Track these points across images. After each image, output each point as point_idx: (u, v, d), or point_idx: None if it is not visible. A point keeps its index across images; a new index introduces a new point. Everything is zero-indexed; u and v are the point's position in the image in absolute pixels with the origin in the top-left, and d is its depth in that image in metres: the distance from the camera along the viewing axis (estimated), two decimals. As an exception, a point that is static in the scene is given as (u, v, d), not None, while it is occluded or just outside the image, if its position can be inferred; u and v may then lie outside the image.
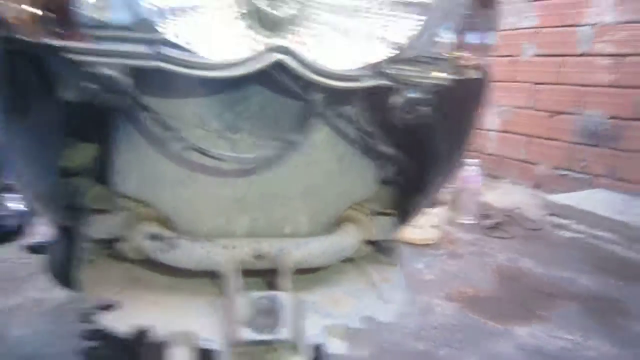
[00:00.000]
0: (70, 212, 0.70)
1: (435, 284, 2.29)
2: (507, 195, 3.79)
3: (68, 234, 0.75)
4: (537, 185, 3.97)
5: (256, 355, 0.56)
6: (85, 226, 0.68)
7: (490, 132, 4.40)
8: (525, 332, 1.91)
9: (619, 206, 3.05)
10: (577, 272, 2.46)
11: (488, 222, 3.09)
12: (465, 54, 0.63)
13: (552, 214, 3.19)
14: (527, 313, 2.06)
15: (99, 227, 0.68)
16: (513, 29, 4.09)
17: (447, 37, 0.58)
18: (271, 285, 0.63)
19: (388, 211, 0.79)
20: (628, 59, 3.32)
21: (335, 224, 0.75)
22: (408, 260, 2.54)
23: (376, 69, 0.58)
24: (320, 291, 0.70)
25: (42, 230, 2.39)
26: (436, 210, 2.71)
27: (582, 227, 2.99)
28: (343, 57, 0.57)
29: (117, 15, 0.50)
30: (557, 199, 3.24)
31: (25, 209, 1.65)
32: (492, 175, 4.25)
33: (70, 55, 0.51)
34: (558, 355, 1.78)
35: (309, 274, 0.72)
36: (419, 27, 0.57)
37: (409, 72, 0.59)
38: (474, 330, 1.92)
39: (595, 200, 3.18)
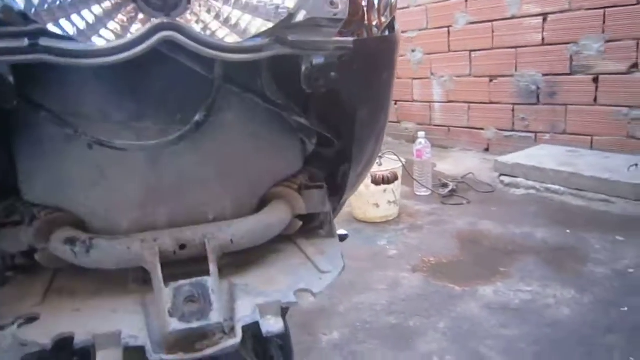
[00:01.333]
0: None
1: (399, 259, 2.32)
2: (458, 163, 3.88)
3: None
4: (486, 150, 4.08)
5: (189, 344, 0.54)
6: None
7: (435, 104, 4.49)
8: (489, 291, 1.97)
9: (564, 158, 3.18)
10: (532, 226, 2.55)
11: (444, 191, 3.15)
12: (373, 14, 0.62)
13: (503, 175, 3.29)
14: (489, 272, 2.11)
15: (11, 240, 0.64)
16: (444, 0, 4.16)
17: None
18: (201, 275, 0.61)
19: (318, 184, 0.77)
20: (553, 16, 3.44)
21: (263, 203, 0.73)
22: (371, 239, 2.57)
23: (275, 38, 0.56)
24: (254, 273, 0.68)
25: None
26: (392, 187, 2.74)
27: (532, 183, 3.10)
28: (240, 29, 0.55)
29: None
30: (505, 159, 3.34)
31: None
32: (441, 145, 4.35)
33: None
34: (520, 307, 1.84)
35: (243, 257, 0.70)
36: None
37: (310, 37, 0.58)
38: (440, 296, 1.96)
39: (540, 156, 3.30)
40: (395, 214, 2.83)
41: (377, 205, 2.75)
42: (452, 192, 3.15)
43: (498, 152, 3.82)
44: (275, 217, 0.71)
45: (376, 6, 0.63)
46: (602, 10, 3.18)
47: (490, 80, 3.95)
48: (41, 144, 0.63)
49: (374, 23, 0.63)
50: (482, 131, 4.11)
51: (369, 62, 0.65)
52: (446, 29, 4.21)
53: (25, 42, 0.48)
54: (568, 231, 2.46)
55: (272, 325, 0.57)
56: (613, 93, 3.23)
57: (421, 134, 3.19)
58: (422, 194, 3.18)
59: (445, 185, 3.23)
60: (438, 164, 3.80)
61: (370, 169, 0.84)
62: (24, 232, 0.64)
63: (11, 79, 0.49)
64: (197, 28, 0.53)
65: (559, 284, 1.97)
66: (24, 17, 0.47)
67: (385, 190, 2.74)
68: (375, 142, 0.76)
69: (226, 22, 0.56)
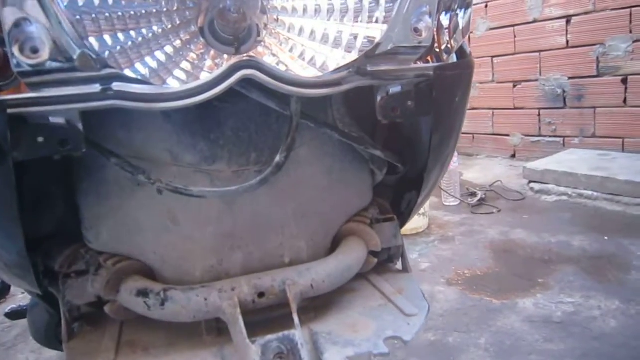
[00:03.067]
0: (46, 279, 0.64)
1: (432, 272, 2.27)
2: (485, 171, 3.81)
3: (47, 299, 0.69)
4: (512, 156, 4.01)
5: None
6: (64, 292, 0.62)
7: (458, 111, 4.43)
8: (529, 303, 1.91)
9: (595, 162, 3.10)
10: (568, 234, 2.48)
11: (473, 200, 3.10)
12: (445, 37, 0.60)
13: (532, 181, 3.22)
14: (528, 284, 2.05)
15: (77, 291, 0.62)
16: (463, 7, 4.13)
17: (425, 20, 0.54)
18: (279, 323, 0.57)
19: (389, 216, 0.74)
20: (577, 18, 3.38)
21: (337, 240, 0.70)
22: (401, 252, 2.52)
23: (355, 70, 0.53)
24: (334, 318, 0.65)
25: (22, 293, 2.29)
26: (420, 198, 2.70)
27: (563, 189, 3.02)
28: (316, 62, 0.53)
29: (59, 56, 0.45)
30: (534, 165, 3.27)
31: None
32: (466, 153, 4.28)
33: (10, 110, 0.45)
34: (563, 319, 1.78)
35: (318, 301, 0.67)
36: (391, 16, 0.53)
37: (390, 66, 0.55)
38: (478, 310, 1.91)
39: (570, 160, 3.22)
40: (425, 225, 2.79)
41: (406, 218, 2.71)
42: (482, 201, 3.09)
43: (525, 158, 3.74)
44: (354, 256, 0.67)
45: (445, 29, 0.61)
46: (628, 10, 3.11)
47: (514, 86, 3.89)
48: (107, 190, 0.61)
49: (443, 47, 0.60)
50: (507, 137, 4.04)
51: (446, 88, 0.62)
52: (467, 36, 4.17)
53: (97, 87, 0.46)
54: (606, 238, 2.38)
55: None
56: (644, 94, 3.14)
57: (447, 143, 3.14)
58: (451, 204, 3.12)
59: (473, 194, 3.17)
60: (465, 172, 3.74)
61: (430, 196, 0.81)
62: (91, 283, 0.62)
63: (80, 126, 0.48)
64: (271, 63, 0.51)
65: (602, 294, 1.90)
66: (100, 62, 0.46)
67: (414, 202, 2.70)
68: (440, 168, 0.73)
69: (301, 55, 0.54)
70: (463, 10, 0.62)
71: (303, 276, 0.62)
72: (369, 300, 0.69)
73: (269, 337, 0.55)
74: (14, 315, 1.31)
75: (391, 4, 0.53)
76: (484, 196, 3.13)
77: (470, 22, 0.63)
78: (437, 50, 0.60)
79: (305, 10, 0.55)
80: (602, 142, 3.40)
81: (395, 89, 0.57)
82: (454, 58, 0.65)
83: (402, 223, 0.78)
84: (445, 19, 0.61)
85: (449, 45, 0.62)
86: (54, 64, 0.45)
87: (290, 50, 0.54)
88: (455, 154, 3.10)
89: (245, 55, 0.50)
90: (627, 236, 2.36)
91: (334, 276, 0.64)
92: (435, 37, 0.59)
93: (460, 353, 1.66)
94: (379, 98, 0.57)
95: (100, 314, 0.64)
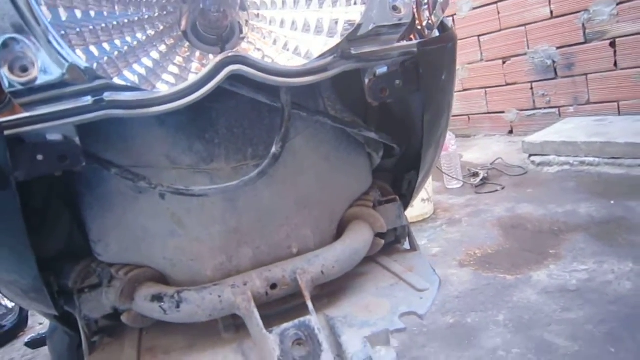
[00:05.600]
0: (61, 299, 0.65)
1: (444, 256, 2.28)
2: (485, 150, 3.81)
3: (65, 320, 0.69)
4: (510, 132, 4.01)
5: None
6: (80, 308, 0.62)
7: (451, 94, 4.43)
8: (543, 275, 1.91)
9: (593, 129, 3.10)
10: (574, 202, 2.48)
11: (475, 180, 3.10)
12: (425, 14, 0.60)
13: (533, 155, 3.21)
14: (539, 256, 2.06)
15: (93, 305, 0.63)
16: (443, -10, 4.13)
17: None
18: (295, 313, 0.58)
19: (391, 197, 0.75)
20: (559, -13, 3.38)
21: (342, 226, 0.71)
22: (410, 239, 2.52)
23: (339, 54, 0.54)
24: (348, 301, 0.65)
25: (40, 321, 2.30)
26: (423, 184, 2.70)
27: (564, 159, 3.02)
28: (300, 52, 0.54)
29: (48, 72, 0.45)
30: (533, 139, 3.27)
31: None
32: (464, 134, 4.28)
33: (7, 132, 0.45)
34: (579, 287, 1.78)
35: (331, 287, 0.67)
36: None
37: (373, 47, 0.56)
38: (493, 288, 1.91)
39: (568, 130, 3.22)
40: (431, 211, 2.79)
41: (411, 205, 2.71)
42: (484, 180, 3.09)
43: (522, 133, 3.74)
44: (360, 240, 0.68)
45: (425, 5, 0.61)
46: (608, -27, 3.11)
47: (504, 62, 3.89)
48: (110, 201, 0.61)
49: (425, 24, 0.61)
50: (503, 114, 4.04)
51: (432, 63, 0.62)
52: (450, 17, 4.16)
53: (89, 99, 0.47)
54: (612, 202, 2.38)
55: (384, 357, 0.54)
56: (633, 55, 3.14)
57: (443, 126, 3.15)
58: (454, 186, 3.13)
59: (475, 175, 3.17)
60: (464, 153, 3.74)
61: (430, 174, 0.82)
62: (105, 295, 0.62)
63: (77, 140, 0.49)
64: (259, 56, 0.52)
65: (614, 258, 1.90)
66: (89, 73, 0.46)
67: (417, 189, 2.70)
68: (436, 146, 0.74)
69: (285, 46, 0.54)
70: None
71: (312, 264, 0.63)
72: (381, 281, 0.69)
73: (285, 325, 0.56)
74: (34, 344, 1.32)
75: None
76: (486, 175, 3.13)
77: None
78: (419, 27, 0.61)
79: (284, 2, 0.56)
80: (598, 108, 3.40)
81: (381, 69, 0.58)
82: (436, 34, 0.65)
83: (406, 204, 0.79)
84: None
85: (429, 22, 0.62)
86: (45, 81, 0.45)
87: (274, 43, 0.55)
88: (453, 136, 3.10)
89: (230, 52, 0.50)
90: (633, 198, 2.35)
91: (342, 261, 0.65)
92: (416, 14, 0.60)
93: (480, 332, 1.66)
94: (366, 80, 0.58)
95: (118, 324, 0.65)
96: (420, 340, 1.69)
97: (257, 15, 0.55)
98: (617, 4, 3.11)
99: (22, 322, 2.32)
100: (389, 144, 0.71)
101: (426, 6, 0.61)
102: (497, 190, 2.94)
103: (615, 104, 3.31)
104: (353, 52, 0.55)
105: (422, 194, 2.71)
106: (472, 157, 3.67)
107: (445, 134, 0.77)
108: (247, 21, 0.54)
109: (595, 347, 1.46)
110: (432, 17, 0.62)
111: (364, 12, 0.54)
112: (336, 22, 0.54)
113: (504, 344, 1.57)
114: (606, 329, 1.52)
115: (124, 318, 0.63)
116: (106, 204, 0.62)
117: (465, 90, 4.28)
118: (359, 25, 0.54)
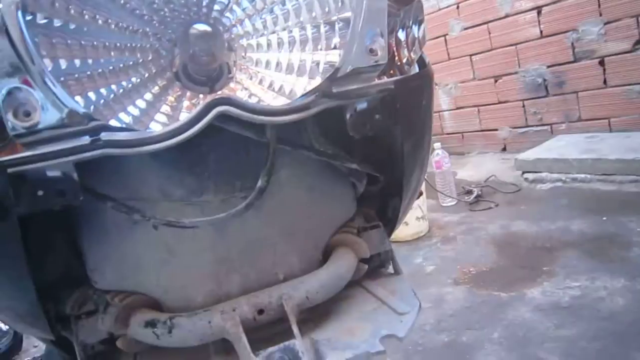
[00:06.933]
0: (58, 324, 0.67)
1: (438, 274, 2.29)
2: (478, 167, 3.85)
3: (61, 344, 0.71)
4: (503, 149, 4.06)
5: None
6: (77, 333, 0.65)
7: (444, 112, 4.49)
8: (536, 293, 1.93)
9: (584, 145, 3.14)
10: (567, 219, 2.50)
11: (469, 197, 3.13)
12: (404, 51, 0.64)
13: (526, 172, 3.25)
14: (533, 274, 2.08)
15: (89, 330, 0.65)
16: (437, 10, 4.21)
17: (378, 41, 0.58)
18: (282, 336, 0.61)
19: (374, 224, 0.78)
20: (547, 8, 3.45)
21: (327, 252, 0.74)
22: (406, 258, 2.55)
23: (321, 93, 0.57)
24: (332, 325, 0.68)
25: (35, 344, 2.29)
26: (418, 202, 2.73)
27: (557, 176, 3.06)
28: (284, 91, 0.57)
29: (49, 116, 0.49)
30: (526, 156, 3.31)
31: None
32: (457, 152, 4.33)
33: (10, 170, 0.49)
34: (572, 304, 1.80)
35: (316, 311, 0.70)
36: (346, 41, 0.58)
37: (353, 85, 0.59)
38: (488, 305, 1.92)
39: (560, 146, 3.27)
40: (426, 229, 2.81)
41: (406, 223, 2.74)
42: (478, 198, 3.12)
43: (515, 150, 3.78)
44: (344, 265, 0.71)
45: (403, 44, 0.65)
46: (594, -6, 3.19)
47: (496, 81, 3.95)
48: (106, 232, 0.64)
49: (404, 60, 0.65)
50: (496, 132, 4.09)
51: (410, 98, 0.66)
52: (443, 38, 4.24)
53: (87, 139, 0.50)
54: (604, 218, 2.41)
55: None
56: (621, 73, 3.20)
57: (436, 144, 3.19)
58: (449, 204, 3.16)
59: (469, 192, 3.20)
60: (458, 171, 3.78)
61: (416, 197, 0.85)
62: (101, 321, 0.65)
63: (75, 176, 0.52)
64: (244, 96, 0.55)
65: (607, 274, 1.92)
66: (87, 117, 0.50)
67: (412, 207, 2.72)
68: (420, 171, 0.77)
69: (270, 85, 0.58)
70: (417, 25, 0.66)
71: (297, 289, 0.66)
72: (365, 305, 0.72)
73: (271, 349, 0.58)
74: (30, 368, 1.32)
75: (345, 30, 0.57)
76: (480, 192, 3.17)
77: (426, 34, 0.67)
78: (399, 63, 0.65)
79: (269, 45, 0.59)
80: (589, 125, 3.45)
81: (362, 105, 0.61)
82: (416, 68, 0.69)
83: (391, 229, 0.82)
84: (402, 35, 0.65)
85: (408, 58, 0.66)
86: (46, 124, 0.48)
87: (260, 83, 0.58)
88: (447, 154, 3.14)
89: (219, 92, 0.54)
90: (625, 214, 2.38)
91: (327, 286, 0.67)
92: (395, 52, 0.64)
93: (475, 350, 1.67)
94: (348, 116, 0.61)
95: (113, 349, 0.67)
96: (416, 359, 1.70)
97: (244, 57, 0.59)
98: (605, 24, 3.19)
99: (16, 344, 2.32)
100: (372, 173, 0.75)
101: (405, 45, 0.65)
102: (491, 208, 2.97)
103: (606, 120, 3.36)
104: (334, 90, 0.58)
105: (417, 212, 2.74)
106: (466, 175, 3.71)
107: (429, 155, 0.80)
108: (235, 62, 0.58)
109: (588, 364, 1.48)
110: (411, 54, 0.66)
111: (342, 55, 0.57)
112: (317, 64, 0.58)
113: (498, 362, 1.58)
114: (599, 346, 1.54)
115: (119, 343, 0.66)
116: (102, 235, 0.65)
117: (458, 108, 4.34)
118: (338, 68, 0.57)
